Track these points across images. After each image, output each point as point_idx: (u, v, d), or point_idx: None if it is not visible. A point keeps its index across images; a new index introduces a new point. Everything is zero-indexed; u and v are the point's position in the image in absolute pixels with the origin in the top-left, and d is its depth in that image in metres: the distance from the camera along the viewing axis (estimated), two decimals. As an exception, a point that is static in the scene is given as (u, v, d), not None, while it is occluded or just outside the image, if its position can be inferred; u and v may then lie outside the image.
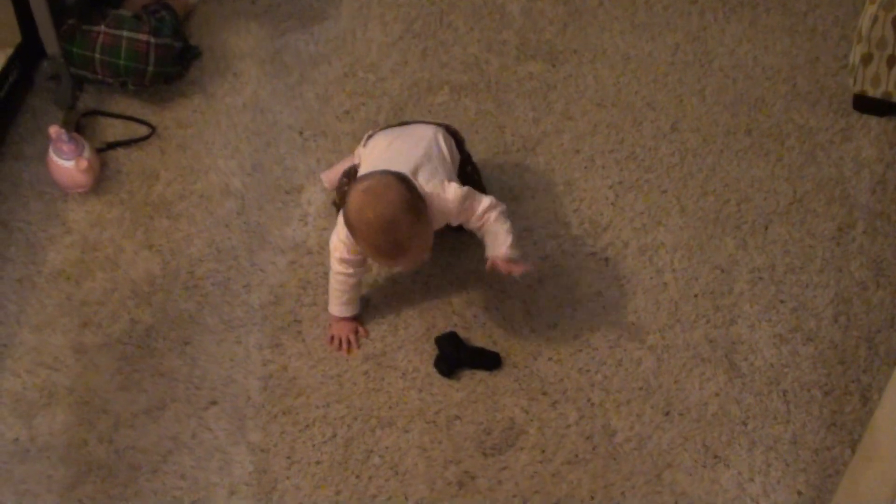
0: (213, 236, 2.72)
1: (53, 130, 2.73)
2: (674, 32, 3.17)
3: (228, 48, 3.14)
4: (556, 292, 2.62)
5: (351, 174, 2.52)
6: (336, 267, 2.45)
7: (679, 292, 2.62)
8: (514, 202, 2.77)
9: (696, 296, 2.61)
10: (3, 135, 2.90)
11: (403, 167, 2.37)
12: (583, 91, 3.02)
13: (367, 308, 2.58)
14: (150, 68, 2.90)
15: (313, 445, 2.39)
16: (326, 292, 2.59)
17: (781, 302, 2.59)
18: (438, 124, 2.60)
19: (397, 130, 2.58)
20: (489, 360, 2.51)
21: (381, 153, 2.49)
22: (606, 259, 2.68)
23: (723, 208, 2.77)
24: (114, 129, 2.94)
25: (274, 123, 2.95)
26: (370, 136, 2.58)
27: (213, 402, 2.45)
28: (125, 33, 2.89)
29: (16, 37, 2.80)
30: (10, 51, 2.78)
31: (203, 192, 2.80)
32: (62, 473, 2.34)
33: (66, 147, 2.73)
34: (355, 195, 2.29)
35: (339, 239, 2.41)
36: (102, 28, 2.90)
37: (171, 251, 2.69)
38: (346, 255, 2.41)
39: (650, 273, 2.65)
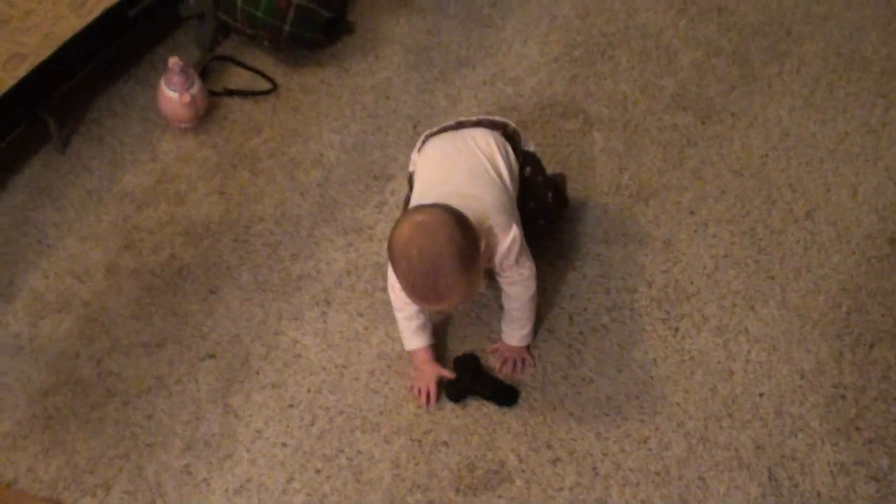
0: (285, 199, 2.56)
1: (172, 60, 2.66)
2: (848, 120, 2.76)
3: (381, 30, 3.00)
4: (608, 347, 2.29)
5: (410, 182, 2.31)
6: (397, 300, 2.19)
7: (744, 386, 2.23)
8: (603, 244, 2.47)
9: (761, 395, 2.22)
10: (138, 58, 2.86)
11: (457, 199, 2.08)
12: (724, 155, 2.68)
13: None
14: (287, 27, 2.79)
15: (287, 427, 2.17)
16: (370, 280, 2.39)
17: (857, 429, 2.16)
18: (493, 124, 2.32)
19: (450, 140, 2.29)
20: (504, 396, 2.21)
21: (434, 172, 2.24)
22: (677, 329, 2.33)
23: (830, 312, 2.36)
24: (239, 79, 2.85)
25: (393, 111, 2.77)
26: (425, 141, 2.31)
27: (211, 356, 2.28)
28: None
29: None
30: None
31: (294, 157, 2.66)
32: (42, 378, 2.23)
33: (175, 79, 2.65)
34: (406, 225, 2.00)
35: (392, 288, 2.18)
36: None
37: (237, 202, 2.55)
38: (405, 303, 2.16)
39: (719, 357, 2.28)
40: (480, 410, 2.20)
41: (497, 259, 2.13)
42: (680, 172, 2.64)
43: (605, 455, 2.13)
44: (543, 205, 2.35)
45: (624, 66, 2.90)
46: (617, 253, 2.47)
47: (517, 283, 2.18)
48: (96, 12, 2.59)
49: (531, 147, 2.36)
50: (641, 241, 2.49)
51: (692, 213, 2.55)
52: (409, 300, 2.10)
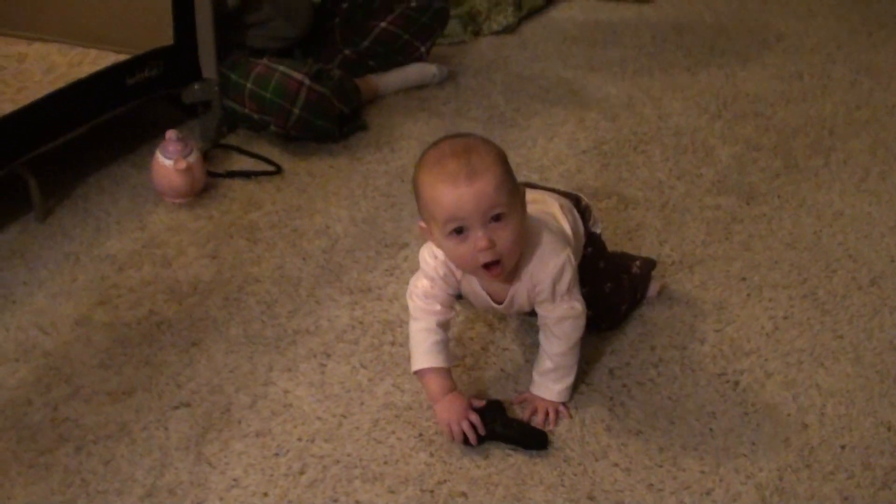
0: (284, 263, 2.23)
1: (170, 132, 2.40)
2: (906, 202, 2.46)
3: (397, 128, 2.76)
4: (657, 401, 1.89)
5: None
6: (417, 305, 1.83)
7: (821, 438, 1.81)
8: (645, 307, 2.11)
9: (843, 447, 1.79)
10: (138, 142, 2.61)
11: None
12: (774, 231, 2.35)
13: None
14: (296, 111, 2.55)
15: (271, 476, 1.74)
16: (376, 335, 2.02)
17: (965, 482, 1.73)
18: (565, 195, 2.02)
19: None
20: (531, 438, 1.79)
21: None
22: (737, 383, 1.93)
23: (914, 369, 1.97)
24: (243, 164, 2.58)
25: (409, 192, 2.43)
26: None
27: (186, 405, 1.88)
28: (281, 67, 2.58)
29: (166, 39, 2.53)
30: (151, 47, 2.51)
31: (298, 228, 2.34)
32: (-18, 425, 1.83)
33: (172, 147, 2.39)
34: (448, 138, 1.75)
35: (429, 253, 1.82)
36: (264, 60, 2.61)
37: (231, 265, 2.22)
38: (434, 276, 1.81)
39: (790, 409, 1.87)
40: (506, 460, 1.77)
41: (548, 283, 1.78)
42: (726, 245, 2.30)
43: (659, 508, 1.70)
44: (599, 296, 1.98)
45: (657, 157, 2.62)
46: (661, 314, 2.09)
47: (568, 318, 1.81)
48: (86, 72, 2.37)
49: (598, 229, 2.06)
50: (689, 303, 2.13)
51: (743, 279, 2.20)
52: (429, 306, 1.80)
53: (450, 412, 1.80)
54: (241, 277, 2.18)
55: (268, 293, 2.14)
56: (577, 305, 1.81)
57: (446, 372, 1.81)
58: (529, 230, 1.76)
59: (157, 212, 2.39)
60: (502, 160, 1.69)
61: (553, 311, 1.82)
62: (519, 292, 1.81)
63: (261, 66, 2.59)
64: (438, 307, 1.82)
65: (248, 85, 2.57)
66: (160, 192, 2.42)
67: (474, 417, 1.79)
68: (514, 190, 1.70)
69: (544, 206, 1.92)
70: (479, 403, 1.82)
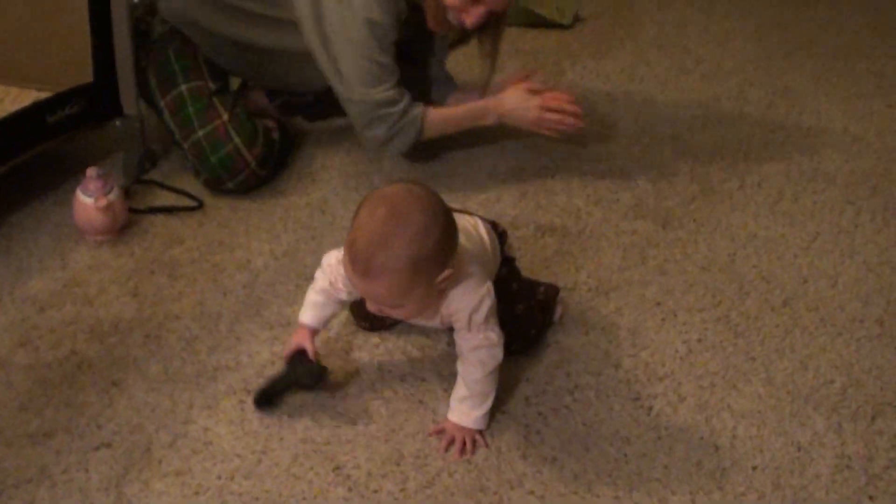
0: (205, 299, 2.24)
1: (90, 169, 2.41)
2: (818, 223, 2.53)
3: (317, 160, 2.79)
4: (572, 427, 1.93)
5: None
6: (316, 285, 1.95)
7: (733, 460, 1.86)
8: (560, 333, 2.15)
9: (754, 468, 1.85)
10: (61, 180, 2.61)
11: None
12: (689, 254, 2.41)
13: (334, 392, 1.99)
14: (229, 184, 2.59)
15: (191, 514, 1.77)
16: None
17: (870, 498, 1.78)
18: (482, 218, 2.07)
19: None
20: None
21: None
22: (650, 408, 1.98)
23: (822, 388, 2.02)
24: (164, 199, 2.59)
25: (330, 223, 2.51)
26: None
27: (107, 445, 1.89)
28: (237, 140, 2.57)
29: (86, 77, 2.54)
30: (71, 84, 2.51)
31: (218, 263, 2.36)
32: None
33: (92, 185, 2.39)
34: (403, 185, 1.77)
35: (322, 267, 1.96)
36: (225, 118, 2.58)
37: (152, 303, 2.23)
38: (331, 281, 1.93)
39: (702, 432, 1.92)
40: (423, 492, 1.80)
41: (465, 313, 1.82)
42: (642, 269, 2.36)
43: (573, 534, 1.74)
44: (512, 318, 2.00)
45: (575, 185, 2.67)
46: (577, 340, 2.14)
47: (483, 348, 1.85)
48: (7, 110, 2.38)
49: (512, 254, 2.12)
50: (604, 329, 2.18)
51: (658, 303, 2.25)
52: (329, 285, 1.93)
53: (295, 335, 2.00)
54: (161, 314, 2.20)
55: (188, 330, 2.16)
56: (493, 336, 1.85)
57: (312, 328, 1.98)
58: (457, 260, 1.80)
59: (78, 250, 2.40)
60: (417, 270, 1.69)
61: (469, 341, 1.86)
62: (432, 314, 1.87)
63: (220, 126, 2.58)
64: (328, 292, 1.95)
65: (199, 134, 2.57)
66: (81, 230, 2.43)
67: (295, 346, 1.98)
68: (421, 284, 1.73)
69: (472, 224, 1.99)
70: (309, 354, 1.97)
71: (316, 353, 1.97)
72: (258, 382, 2.00)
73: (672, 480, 1.82)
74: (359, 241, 1.70)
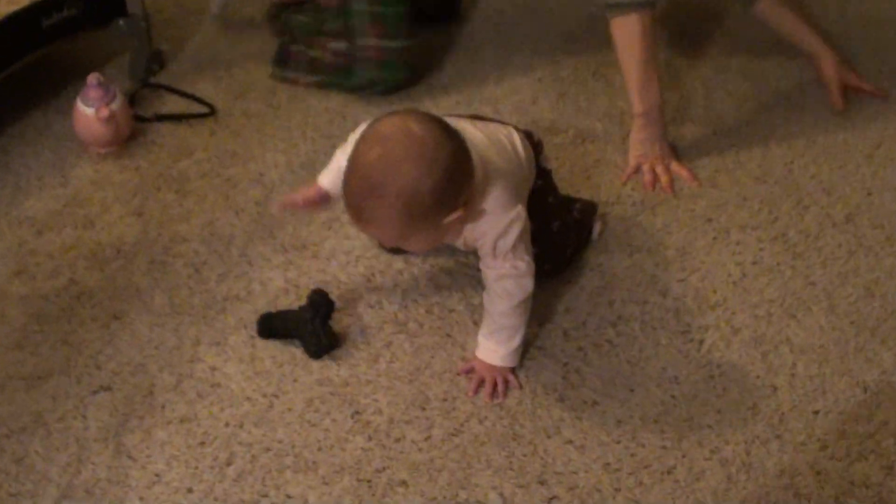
0: (215, 219, 2.02)
1: (91, 76, 2.17)
2: (882, 128, 2.23)
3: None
4: (615, 365, 1.71)
5: None
6: (347, 148, 1.63)
7: (792, 403, 1.64)
8: (603, 254, 1.92)
9: (815, 413, 1.63)
10: (63, 87, 2.36)
11: (468, 138, 1.60)
12: (742, 163, 2.15)
13: (353, 325, 1.78)
14: None
15: (196, 468, 1.57)
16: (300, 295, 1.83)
17: (949, 449, 1.56)
18: (515, 127, 1.82)
19: (454, 117, 1.79)
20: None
21: None
22: (701, 342, 1.75)
23: (890, 319, 1.79)
24: (174, 106, 2.34)
25: (352, 129, 2.24)
26: None
27: (106, 388, 1.69)
28: None
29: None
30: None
31: (231, 177, 2.13)
32: None
33: (93, 92, 2.15)
34: (397, 119, 1.54)
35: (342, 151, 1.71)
36: None
37: (158, 223, 2.01)
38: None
39: (758, 370, 1.70)
40: (450, 441, 1.60)
41: (490, 238, 1.60)
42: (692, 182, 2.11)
43: (617, 490, 1.53)
44: (546, 235, 1.78)
45: (619, 84, 2.38)
46: (621, 262, 1.91)
47: (509, 277, 1.63)
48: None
49: (548, 166, 1.87)
50: (650, 250, 1.94)
51: (709, 220, 2.00)
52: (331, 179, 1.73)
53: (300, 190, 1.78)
54: (167, 237, 1.98)
55: (196, 254, 1.94)
56: (521, 265, 1.62)
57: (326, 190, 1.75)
58: (482, 181, 1.57)
59: (80, 164, 2.17)
60: (412, 216, 1.49)
61: (494, 269, 1.64)
62: (454, 237, 1.66)
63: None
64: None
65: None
66: (83, 142, 2.20)
67: (295, 197, 1.76)
68: (421, 229, 1.53)
69: (506, 134, 1.75)
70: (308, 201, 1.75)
71: (328, 302, 1.76)
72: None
73: (725, 427, 1.61)
74: (350, 184, 1.52)
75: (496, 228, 1.60)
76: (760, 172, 2.12)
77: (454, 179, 1.50)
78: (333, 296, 1.80)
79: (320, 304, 1.76)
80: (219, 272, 1.90)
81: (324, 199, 1.75)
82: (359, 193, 1.50)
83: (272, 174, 2.14)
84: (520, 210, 1.61)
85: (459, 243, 1.68)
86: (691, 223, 2.00)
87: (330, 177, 1.73)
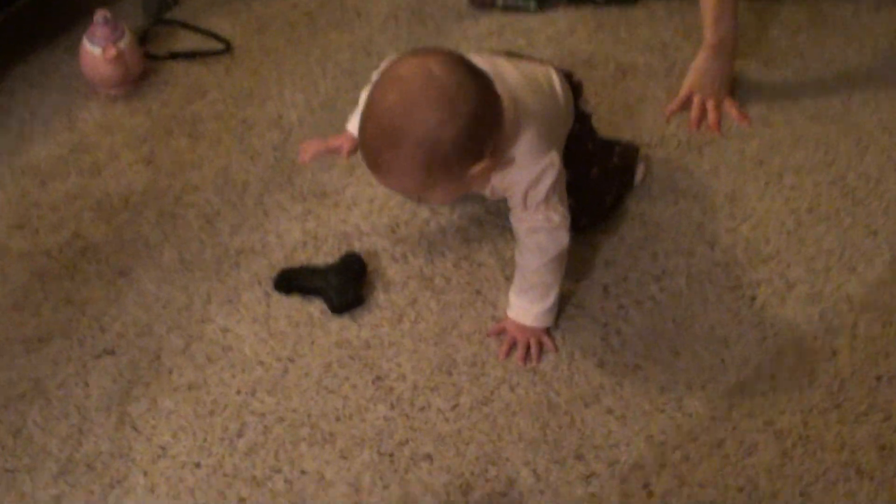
0: (230, 165, 1.86)
1: (98, 13, 2.00)
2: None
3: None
4: (658, 325, 1.55)
5: None
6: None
7: (852, 368, 1.47)
8: (646, 202, 1.74)
9: (878, 378, 1.46)
10: (72, 24, 2.19)
11: (497, 81, 1.41)
12: (795, 99, 1.95)
13: (377, 280, 1.62)
14: None
15: (204, 441, 1.43)
16: (331, 252, 1.68)
17: None
18: (554, 66, 1.63)
19: (501, 56, 1.61)
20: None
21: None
22: (753, 299, 1.58)
23: (964, 271, 1.61)
24: (189, 42, 2.16)
25: (375, 67, 2.06)
26: None
27: (110, 352, 1.55)
28: None
29: None
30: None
31: (246, 119, 1.96)
32: None
33: (99, 31, 1.98)
34: (417, 60, 1.34)
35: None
36: None
37: (169, 170, 1.85)
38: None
39: (816, 331, 1.52)
40: (479, 410, 1.45)
41: (521, 188, 1.43)
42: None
43: (661, 467, 1.37)
44: (584, 184, 1.62)
45: (662, 13, 2.18)
46: (665, 211, 1.73)
47: (541, 230, 1.46)
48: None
49: (588, 110, 1.68)
50: (696, 196, 1.75)
51: (761, 162, 1.81)
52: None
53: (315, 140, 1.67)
54: (179, 185, 1.82)
55: (208, 204, 1.78)
56: (555, 217, 1.45)
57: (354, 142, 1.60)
58: (512, 125, 1.40)
59: (88, 106, 2.01)
60: (434, 167, 1.32)
61: (524, 221, 1.47)
62: (482, 185, 1.49)
63: None
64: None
65: None
66: (91, 83, 2.04)
67: (315, 146, 1.64)
68: (442, 180, 1.36)
69: (544, 74, 1.56)
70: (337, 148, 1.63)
71: (361, 264, 1.62)
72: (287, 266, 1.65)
73: (780, 395, 1.44)
74: (366, 131, 1.35)
75: (527, 177, 1.43)
76: (815, 110, 1.92)
77: (480, 126, 1.32)
78: (355, 248, 1.65)
79: (353, 262, 1.61)
80: (232, 223, 1.74)
81: (352, 142, 1.60)
82: (374, 142, 1.33)
83: (291, 115, 1.96)
84: (553, 157, 1.44)
85: (487, 192, 1.52)
86: (741, 166, 1.81)
87: (357, 120, 1.56)
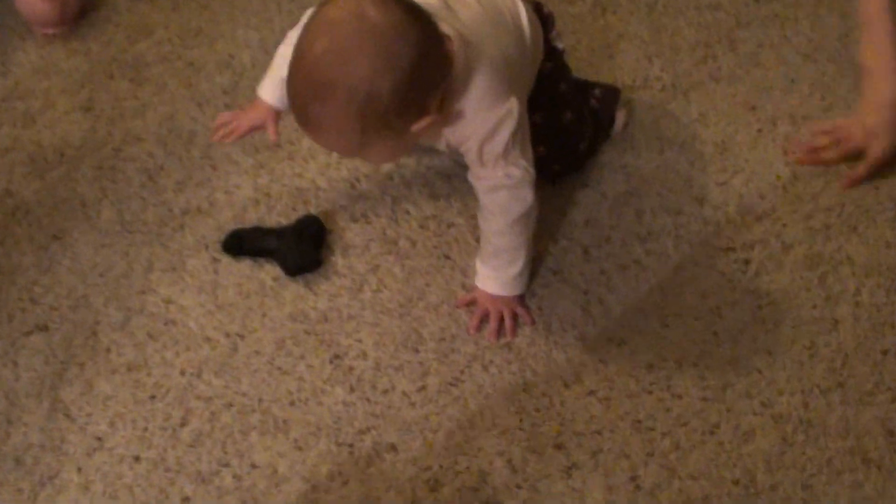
0: (175, 112, 1.66)
1: (33, -57, 1.78)
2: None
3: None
4: (644, 293, 1.38)
5: None
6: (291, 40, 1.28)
7: (856, 340, 1.31)
8: (629, 152, 1.56)
9: (884, 353, 1.30)
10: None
11: (443, 12, 1.23)
12: (788, 37, 1.76)
13: (335, 243, 1.44)
14: None
15: (144, 430, 1.26)
16: (285, 211, 1.50)
17: None
18: None
19: None
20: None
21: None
22: (747, 262, 1.41)
23: (975, 228, 1.45)
24: (132, -26, 1.96)
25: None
26: None
27: (42, 328, 1.37)
28: None
29: None
30: None
31: (195, 61, 1.76)
32: None
33: (32, -37, 1.77)
34: (339, 1, 1.15)
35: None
36: None
37: (109, 119, 1.66)
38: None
39: (815, 298, 1.36)
40: (448, 392, 1.28)
41: (475, 143, 1.24)
42: (730, 58, 1.72)
43: (649, 456, 1.22)
44: (557, 128, 1.44)
45: (643, -61, 1.99)
46: (650, 162, 1.55)
47: (502, 188, 1.27)
48: None
49: (561, 44, 1.46)
50: (683, 145, 1.58)
51: (753, 108, 1.63)
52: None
53: (238, 113, 1.46)
54: (119, 136, 1.62)
55: (151, 157, 1.59)
56: (516, 172, 1.26)
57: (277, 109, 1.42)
58: (462, 71, 1.20)
59: (24, 48, 1.80)
60: (368, 122, 1.14)
61: (483, 179, 1.29)
62: (432, 138, 1.30)
63: None
64: None
65: None
66: (26, 21, 1.82)
67: (244, 124, 1.44)
68: (380, 138, 1.18)
69: (509, 7, 1.34)
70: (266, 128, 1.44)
71: (319, 225, 1.45)
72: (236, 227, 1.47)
73: (778, 372, 1.28)
74: (294, 83, 1.17)
75: (481, 130, 1.24)
76: (810, 48, 1.73)
77: (422, 76, 1.14)
78: (311, 205, 1.47)
79: (311, 223, 1.44)
80: (177, 179, 1.55)
81: (273, 118, 1.41)
82: (302, 95, 1.15)
83: (243, 56, 1.76)
84: (512, 104, 1.24)
85: (441, 146, 1.33)
86: (731, 111, 1.63)
87: (273, 87, 1.38)
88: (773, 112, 1.62)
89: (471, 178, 1.30)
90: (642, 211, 1.48)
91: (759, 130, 1.60)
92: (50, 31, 1.82)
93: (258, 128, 1.43)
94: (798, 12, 1.81)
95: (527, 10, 1.38)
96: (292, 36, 1.29)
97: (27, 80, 1.73)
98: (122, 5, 1.88)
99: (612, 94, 1.59)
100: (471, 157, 1.27)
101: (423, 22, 1.15)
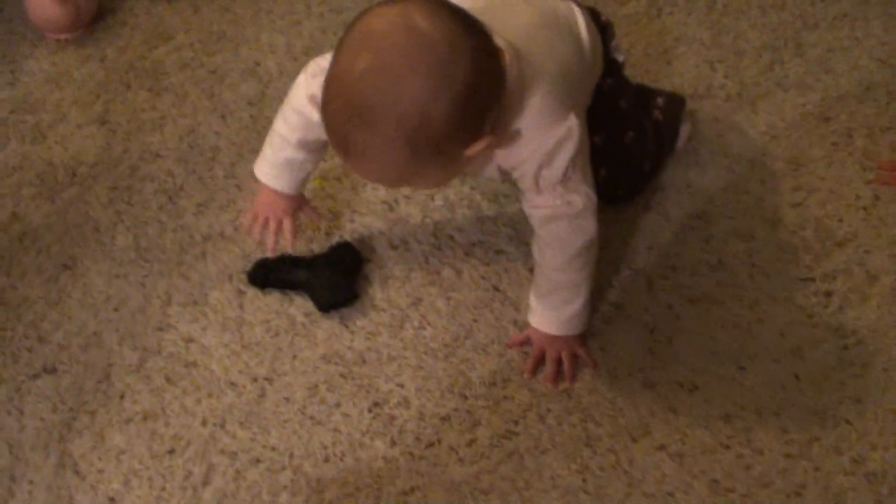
0: (197, 125, 1.50)
1: (43, -56, 1.62)
2: None
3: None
4: (718, 330, 1.21)
5: None
6: (290, 106, 1.18)
7: (961, 387, 1.15)
8: (694, 169, 1.39)
9: None
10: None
11: (497, 24, 1.05)
12: (860, 39, 1.59)
13: (372, 273, 1.28)
14: None
15: (163, 490, 1.11)
16: (321, 238, 1.34)
17: None
18: (576, 2, 1.26)
19: None
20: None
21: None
22: (828, 294, 1.24)
23: None
24: (150, -24, 1.80)
25: (370, 1, 1.71)
26: None
27: (50, 370, 1.22)
28: None
29: None
30: None
31: (218, 68, 1.60)
32: None
33: (44, -36, 1.61)
34: (395, 11, 0.98)
35: (307, 75, 1.19)
36: None
37: (126, 133, 1.50)
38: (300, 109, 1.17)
39: (908, 338, 1.20)
40: (501, 447, 1.12)
41: (531, 167, 1.08)
42: (798, 64, 1.55)
43: (730, 524, 1.06)
44: (618, 150, 1.28)
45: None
46: (717, 180, 1.38)
47: (561, 218, 1.11)
48: None
49: (621, 56, 1.29)
50: (753, 161, 1.40)
51: (827, 119, 1.46)
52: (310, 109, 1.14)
53: (262, 205, 1.26)
54: (136, 152, 1.47)
55: (170, 176, 1.43)
56: (578, 200, 1.10)
57: (291, 196, 1.25)
58: (517, 87, 1.04)
59: (35, 55, 1.64)
60: (406, 144, 0.97)
61: (539, 208, 1.12)
62: (487, 169, 1.14)
63: None
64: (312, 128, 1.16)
65: None
66: (38, 27, 1.67)
67: (290, 221, 1.25)
68: (431, 164, 1.01)
69: (565, 15, 1.18)
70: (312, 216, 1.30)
71: (355, 255, 1.30)
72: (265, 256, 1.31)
73: (869, 423, 1.11)
74: (330, 108, 0.99)
75: (538, 152, 1.07)
76: (884, 52, 1.56)
77: (478, 95, 0.97)
78: (345, 230, 1.32)
79: (345, 251, 1.28)
80: (198, 201, 1.39)
81: (296, 205, 1.26)
82: (342, 122, 0.98)
83: (269, 63, 1.60)
84: (572, 122, 1.08)
85: (492, 174, 1.17)
86: (802, 123, 1.45)
87: (279, 171, 1.24)
88: (847, 123, 1.45)
89: (526, 206, 1.13)
90: (710, 235, 1.31)
91: (834, 144, 1.42)
92: (63, 36, 1.67)
93: (298, 230, 1.29)
94: (868, 12, 1.64)
95: (584, 17, 1.21)
96: (310, 68, 1.15)
97: (38, 91, 1.58)
98: (139, 8, 1.72)
99: (676, 105, 1.42)
100: (526, 184, 1.11)
101: (476, 33, 0.99)
